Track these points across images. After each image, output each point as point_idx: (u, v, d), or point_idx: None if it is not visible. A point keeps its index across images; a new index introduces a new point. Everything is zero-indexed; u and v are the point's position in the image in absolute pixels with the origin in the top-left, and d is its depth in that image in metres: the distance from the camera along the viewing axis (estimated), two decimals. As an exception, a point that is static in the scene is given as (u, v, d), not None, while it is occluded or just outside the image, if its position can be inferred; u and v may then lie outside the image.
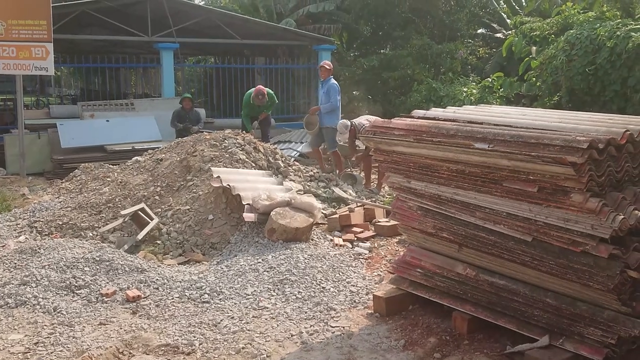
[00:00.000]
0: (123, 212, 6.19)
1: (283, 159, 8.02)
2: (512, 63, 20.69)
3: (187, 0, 15.55)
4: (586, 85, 11.43)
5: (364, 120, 8.78)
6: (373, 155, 4.66)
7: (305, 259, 5.41)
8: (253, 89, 10.15)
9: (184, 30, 14.86)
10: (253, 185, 6.64)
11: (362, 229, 6.51)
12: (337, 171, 9.35)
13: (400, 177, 4.46)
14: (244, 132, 8.88)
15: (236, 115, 16.10)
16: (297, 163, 8.39)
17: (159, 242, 6.18)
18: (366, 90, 20.74)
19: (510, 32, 20.63)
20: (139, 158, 8.51)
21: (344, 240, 6.19)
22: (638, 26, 10.67)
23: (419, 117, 4.59)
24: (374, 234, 6.49)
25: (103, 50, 20.45)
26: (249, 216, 5.97)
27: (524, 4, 22.75)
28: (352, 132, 8.72)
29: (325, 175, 8.29)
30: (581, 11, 13.23)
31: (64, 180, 8.97)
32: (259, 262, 5.39)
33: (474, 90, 16.26)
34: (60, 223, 6.85)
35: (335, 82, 9.32)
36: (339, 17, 20.38)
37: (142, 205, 6.47)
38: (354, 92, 21.07)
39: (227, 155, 7.40)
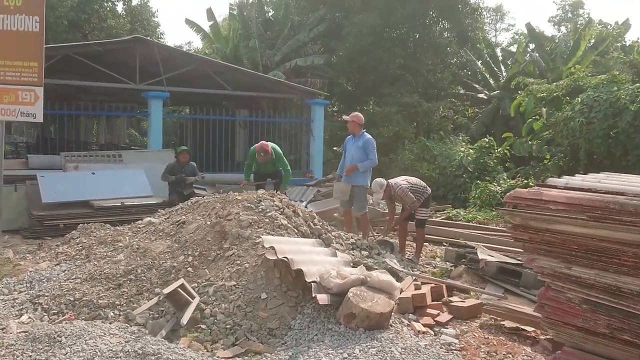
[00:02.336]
0: (165, 291, 5.10)
1: (322, 224, 7.10)
2: (498, 123, 20.66)
3: (176, 47, 14.76)
4: (606, 149, 11.08)
5: (402, 180, 8.02)
6: (511, 232, 3.81)
7: (401, 353, 4.47)
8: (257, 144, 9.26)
9: (170, 79, 13.95)
10: (309, 257, 5.69)
11: (437, 311, 5.61)
12: (362, 236, 8.45)
13: (554, 261, 3.64)
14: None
15: (217, 170, 15.09)
16: (335, 229, 7.47)
17: (203, 326, 5.11)
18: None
19: (496, 92, 20.64)
20: (152, 219, 7.43)
21: (424, 326, 5.27)
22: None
23: (564, 188, 3.81)
24: (450, 316, 5.60)
25: (69, 97, 19.19)
26: (322, 298, 4.99)
27: (502, 68, 22.91)
28: (387, 193, 7.92)
29: (366, 242, 7.39)
30: (589, 74, 13.05)
31: (60, 243, 7.77)
32: (346, 358, 4.40)
33: (471, 150, 15.84)
34: (72, 299, 5.68)
35: (371, 137, 8.54)
36: (323, 72, 19.90)
37: (182, 280, 5.40)
38: (335, 148, 20.43)
39: (267, 220, 6.43)
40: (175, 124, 23.69)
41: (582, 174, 11.72)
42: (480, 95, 22.22)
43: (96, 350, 4.40)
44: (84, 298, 5.67)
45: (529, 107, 12.81)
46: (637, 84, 11.02)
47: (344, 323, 4.91)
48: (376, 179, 7.96)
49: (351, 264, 5.98)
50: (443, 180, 15.79)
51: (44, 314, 5.54)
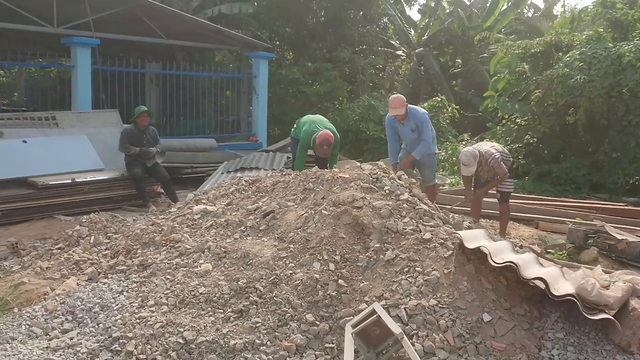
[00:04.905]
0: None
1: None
2: (421, 82, 19.98)
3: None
4: (606, 108, 10.61)
5: (490, 147, 6.72)
6: None
7: None
8: (317, 133, 7.40)
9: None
10: (518, 257, 4.19)
11: None
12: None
13: None
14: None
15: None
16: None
17: (428, 372, 3.48)
18: (279, 105, 18.30)
19: (420, 49, 19.86)
20: (207, 207, 5.40)
21: None
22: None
23: None
24: None
25: None
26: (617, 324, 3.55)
27: (411, 32, 22.16)
28: (478, 165, 6.61)
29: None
30: (567, 31, 12.54)
31: (62, 245, 5.47)
32: None
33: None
34: (180, 341, 3.71)
35: (423, 111, 7.22)
36: (248, 23, 17.70)
37: (377, 305, 3.67)
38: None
39: (406, 206, 4.80)
40: (55, 78, 19.86)
41: (581, 134, 11.25)
42: (399, 52, 21.38)
43: None
44: (201, 338, 3.72)
45: (513, 64, 12.01)
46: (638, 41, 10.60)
47: (638, 351, 3.54)
48: (467, 150, 6.59)
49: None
50: (393, 143, 14.70)
51: (152, 373, 3.55)
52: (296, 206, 5.04)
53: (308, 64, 16.92)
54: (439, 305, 3.86)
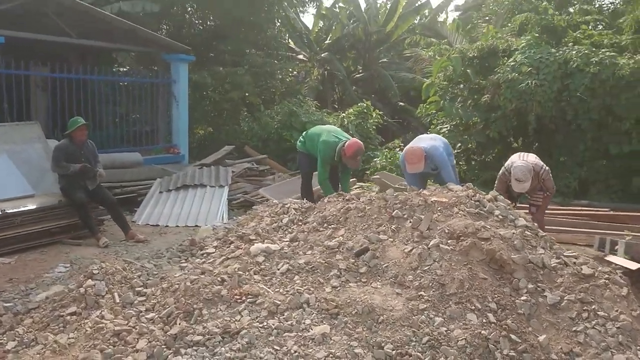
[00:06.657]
0: None
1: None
2: (328, 87, 19.47)
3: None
4: (555, 113, 10.70)
5: (534, 159, 6.14)
6: None
7: None
8: (344, 142, 6.45)
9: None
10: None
11: None
12: None
13: None
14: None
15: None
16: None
17: None
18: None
19: (325, 54, 19.30)
20: (269, 245, 4.25)
21: None
22: (612, 53, 10.39)
23: None
24: None
25: None
26: None
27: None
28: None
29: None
30: (500, 35, 12.56)
31: (69, 311, 4.01)
32: None
33: (351, 116, 14.31)
34: None
35: (440, 150, 6.28)
36: (148, 23, 15.94)
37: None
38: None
39: (530, 234, 4.07)
40: None
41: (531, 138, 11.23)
42: (300, 56, 20.66)
43: None
44: None
45: (458, 69, 11.73)
46: (582, 47, 10.76)
47: None
48: (520, 164, 5.77)
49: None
50: (320, 151, 13.95)
51: None
52: (391, 239, 4.10)
53: (219, 67, 15.60)
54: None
